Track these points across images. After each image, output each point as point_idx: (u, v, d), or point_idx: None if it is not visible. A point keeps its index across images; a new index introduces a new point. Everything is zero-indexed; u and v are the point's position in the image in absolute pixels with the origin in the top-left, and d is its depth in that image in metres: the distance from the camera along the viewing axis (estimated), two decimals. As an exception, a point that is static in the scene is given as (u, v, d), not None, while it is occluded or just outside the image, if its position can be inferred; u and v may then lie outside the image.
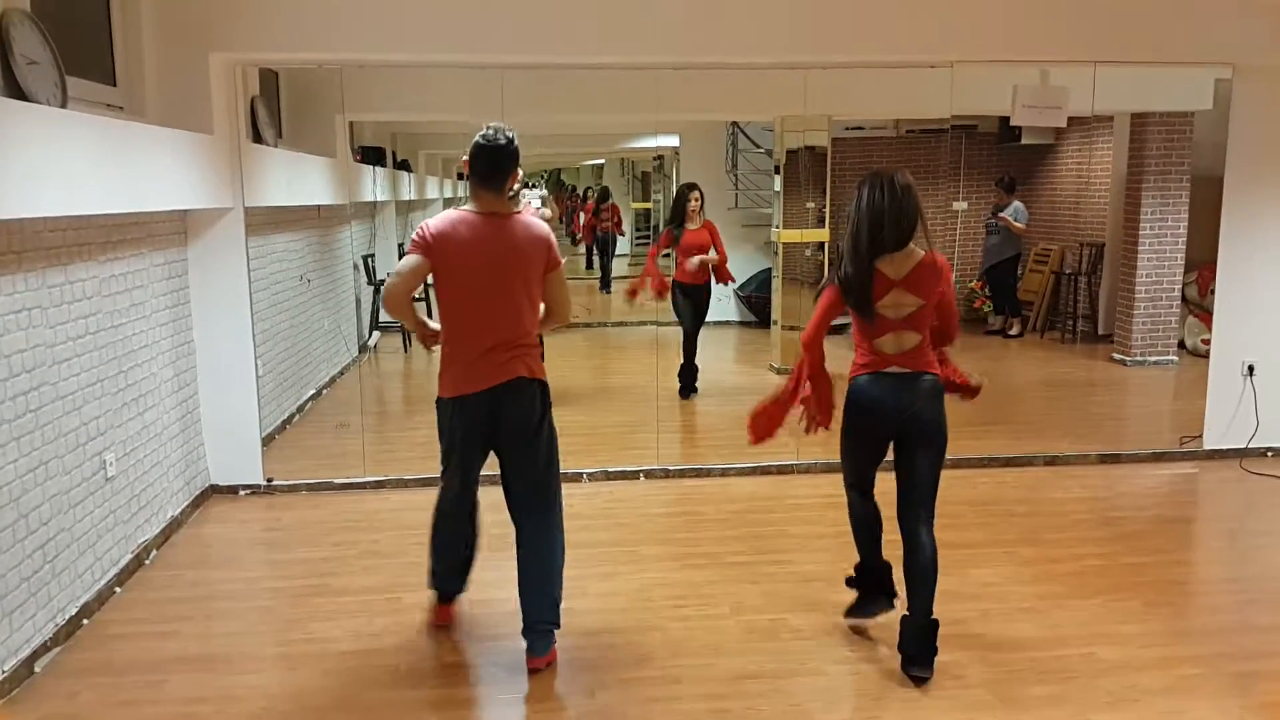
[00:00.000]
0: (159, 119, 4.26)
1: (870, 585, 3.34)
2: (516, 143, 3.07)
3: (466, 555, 3.39)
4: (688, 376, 6.80)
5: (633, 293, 6.88)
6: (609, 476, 5.10)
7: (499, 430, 3.10)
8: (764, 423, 3.26)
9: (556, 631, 3.17)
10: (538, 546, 3.15)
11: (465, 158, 3.07)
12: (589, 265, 12.81)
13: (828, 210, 7.59)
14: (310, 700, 2.96)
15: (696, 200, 6.67)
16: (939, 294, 3.04)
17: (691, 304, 6.73)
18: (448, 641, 3.32)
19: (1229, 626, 3.45)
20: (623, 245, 14.89)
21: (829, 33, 4.76)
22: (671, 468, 5.21)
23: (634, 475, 5.13)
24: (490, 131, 3.05)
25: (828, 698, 2.99)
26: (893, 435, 3.10)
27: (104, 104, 4.02)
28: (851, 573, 3.39)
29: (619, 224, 12.90)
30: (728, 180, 9.42)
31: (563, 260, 3.20)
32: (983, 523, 4.47)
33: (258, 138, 5.37)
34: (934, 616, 3.05)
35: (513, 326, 3.08)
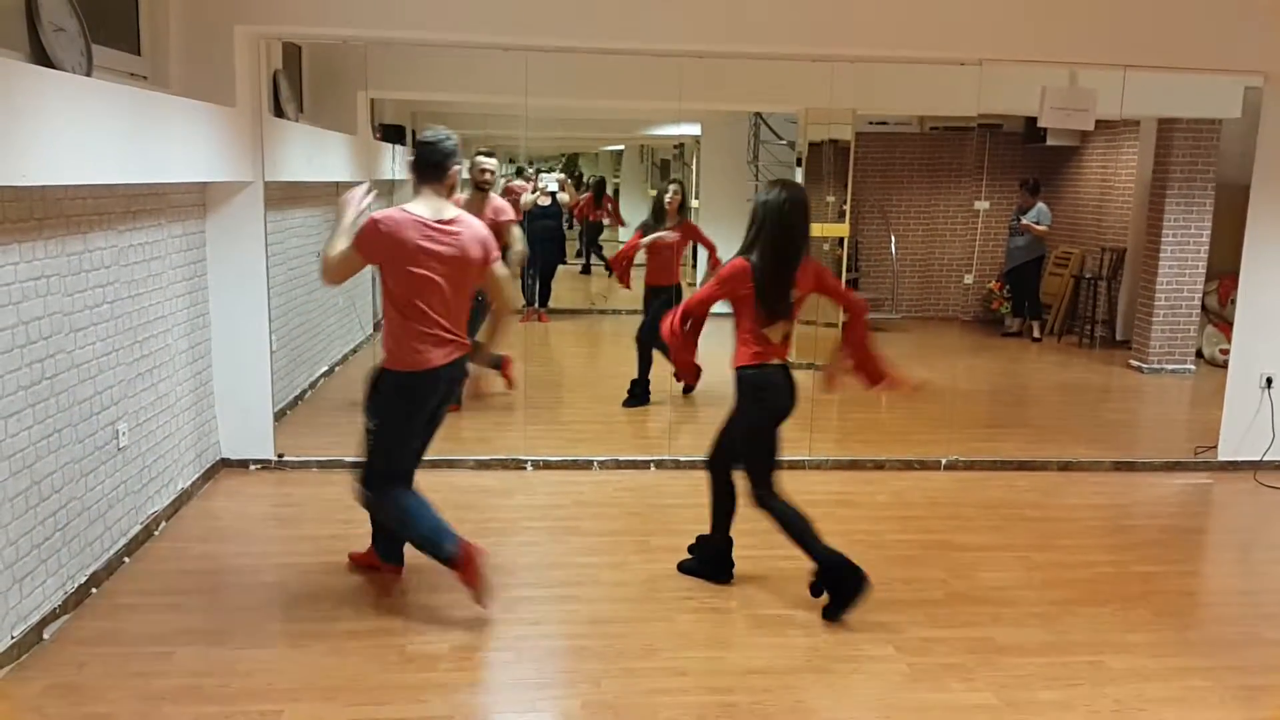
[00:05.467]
0: (182, 90, 4.25)
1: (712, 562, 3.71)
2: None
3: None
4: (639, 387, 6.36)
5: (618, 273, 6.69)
6: (619, 465, 5.09)
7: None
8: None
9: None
10: None
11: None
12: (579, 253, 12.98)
13: (848, 205, 7.54)
14: (316, 678, 2.96)
15: (673, 195, 6.23)
16: (813, 284, 3.43)
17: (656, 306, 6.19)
18: (456, 625, 3.32)
19: (1238, 639, 3.43)
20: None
21: (857, 25, 4.70)
22: (682, 459, 5.19)
23: (644, 465, 5.12)
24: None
25: (834, 695, 2.98)
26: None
27: (129, 73, 4.01)
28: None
29: (615, 214, 13.12)
30: (749, 171, 9.38)
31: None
32: (995, 526, 4.45)
33: (279, 112, 5.36)
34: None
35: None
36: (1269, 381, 5.38)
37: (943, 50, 4.85)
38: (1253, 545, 4.60)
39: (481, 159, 5.70)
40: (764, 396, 3.43)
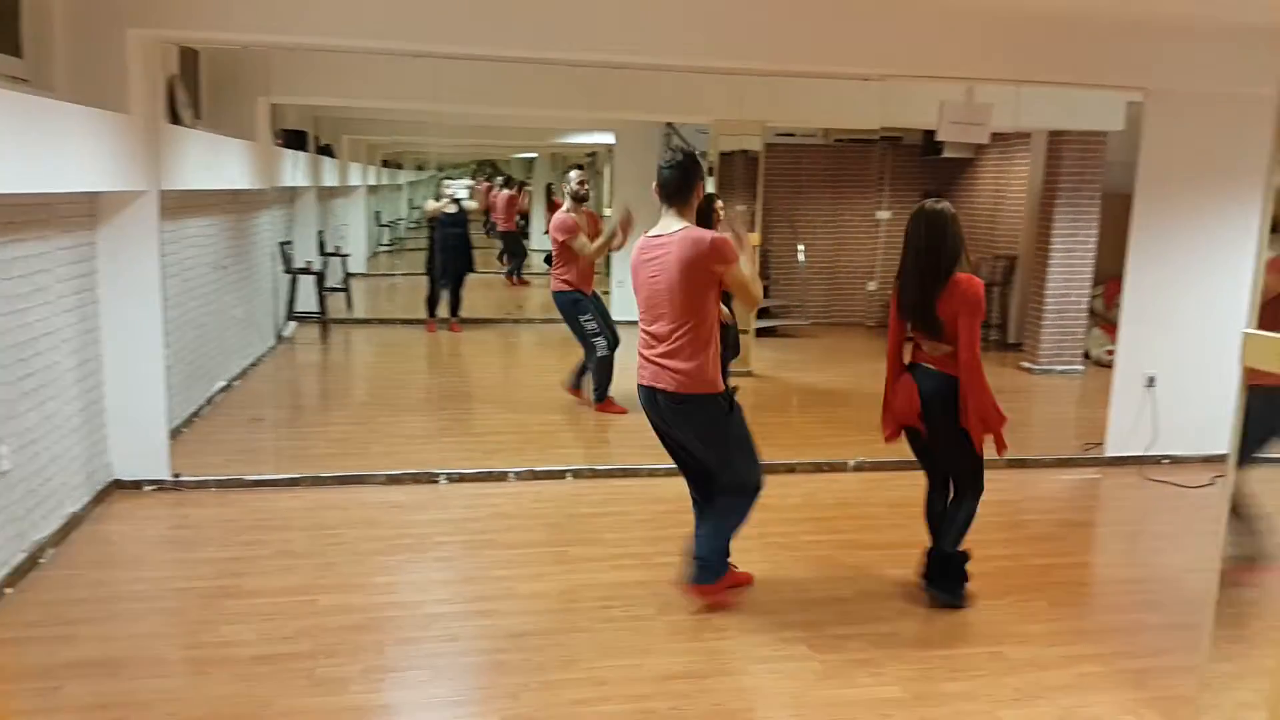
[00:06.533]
0: (70, 95, 4.05)
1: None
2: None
3: None
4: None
5: None
6: (536, 476, 5.05)
7: None
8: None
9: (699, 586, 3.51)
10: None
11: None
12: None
13: (759, 214, 7.67)
14: (221, 706, 2.85)
15: (723, 205, 6.62)
16: (955, 310, 3.44)
17: None
18: (367, 646, 3.25)
19: (1127, 625, 3.61)
20: (543, 241, 14.92)
21: (767, 41, 4.79)
22: (599, 467, 5.19)
23: (561, 475, 5.10)
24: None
25: (750, 697, 3.02)
26: (919, 418, 3.61)
27: (9, 76, 3.81)
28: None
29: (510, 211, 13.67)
30: (659, 180, 9.48)
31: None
32: (899, 524, 4.57)
33: (175, 118, 5.17)
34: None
35: None
36: (1151, 380, 5.68)
37: (848, 66, 4.99)
38: (1138, 535, 4.85)
39: (574, 172, 6.06)
40: None
